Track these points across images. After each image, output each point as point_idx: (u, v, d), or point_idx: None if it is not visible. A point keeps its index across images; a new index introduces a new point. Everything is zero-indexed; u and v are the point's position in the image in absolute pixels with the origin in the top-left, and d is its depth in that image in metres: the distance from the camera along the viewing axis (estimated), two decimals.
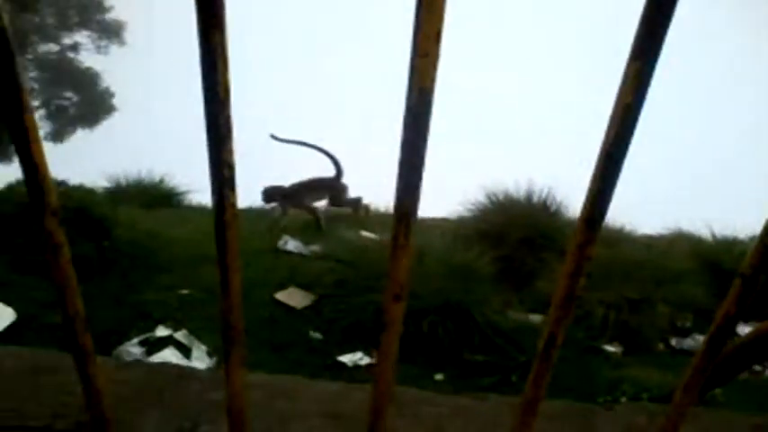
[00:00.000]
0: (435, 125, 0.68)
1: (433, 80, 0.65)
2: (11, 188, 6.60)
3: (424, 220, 8.52)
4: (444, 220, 8.36)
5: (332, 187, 8.69)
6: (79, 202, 6.22)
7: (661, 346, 6.13)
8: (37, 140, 0.67)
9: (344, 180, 8.74)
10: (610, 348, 5.75)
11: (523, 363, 5.05)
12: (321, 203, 8.73)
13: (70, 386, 1.36)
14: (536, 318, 6.05)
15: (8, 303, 5.15)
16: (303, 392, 1.50)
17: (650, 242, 8.18)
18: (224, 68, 0.64)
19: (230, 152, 0.69)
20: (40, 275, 5.68)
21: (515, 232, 7.22)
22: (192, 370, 1.46)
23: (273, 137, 8.79)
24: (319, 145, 8.76)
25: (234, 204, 0.73)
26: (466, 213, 8.12)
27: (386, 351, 0.91)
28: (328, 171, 8.64)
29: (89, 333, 0.92)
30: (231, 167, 0.70)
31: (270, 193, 8.53)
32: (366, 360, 5.13)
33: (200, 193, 10.91)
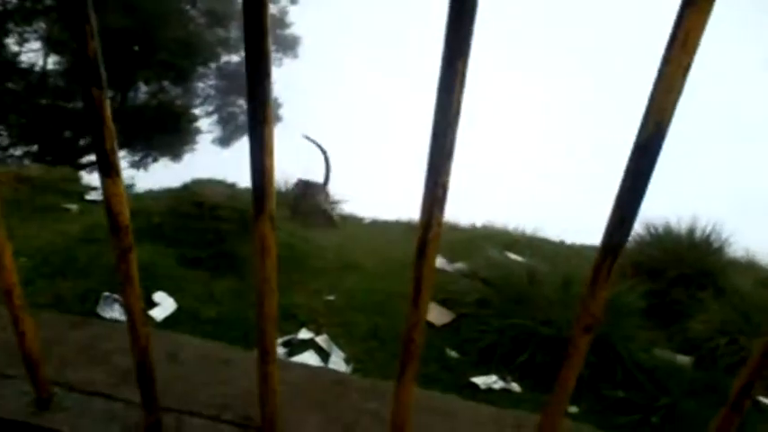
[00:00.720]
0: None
1: (671, 115, 0.62)
2: (186, 187, 7.10)
3: (572, 246, 8.26)
4: (595, 249, 8.03)
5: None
6: (246, 205, 6.62)
7: None
8: (271, 152, 0.71)
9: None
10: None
11: (666, 405, 4.75)
12: None
13: (239, 380, 1.42)
14: (683, 359, 5.66)
15: (171, 294, 5.54)
16: (458, 412, 1.48)
17: None
18: (459, 94, 0.65)
19: (447, 173, 0.69)
20: (204, 271, 6.09)
21: (672, 267, 6.79)
22: (350, 377, 1.48)
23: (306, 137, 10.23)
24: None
25: (440, 224, 0.73)
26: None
27: (564, 382, 0.88)
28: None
29: (275, 334, 0.95)
30: (445, 188, 0.70)
31: None
32: (500, 384, 5.02)
33: (353, 203, 11.37)
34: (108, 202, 0.82)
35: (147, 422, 1.14)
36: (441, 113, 0.66)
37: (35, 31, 17.48)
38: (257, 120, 0.69)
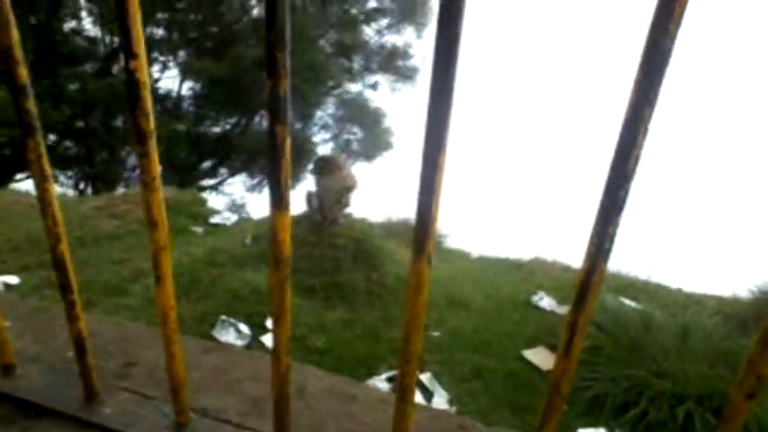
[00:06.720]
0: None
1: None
2: (305, 215, 7.25)
3: (691, 295, 7.85)
4: (717, 299, 7.61)
5: None
6: (360, 233, 6.73)
7: None
8: (439, 194, 0.71)
9: None
10: None
11: None
12: None
13: (363, 416, 1.43)
14: None
15: None
16: None
17: None
18: (640, 148, 0.64)
19: (616, 225, 0.68)
20: (317, 300, 6.20)
21: None
22: (472, 423, 1.46)
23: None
24: None
25: (603, 272, 0.71)
26: (745, 294, 7.26)
27: None
28: None
29: (416, 374, 0.95)
30: (612, 240, 0.69)
31: None
32: None
33: (457, 238, 11.35)
34: (274, 234, 0.85)
35: None
36: (617, 168, 0.65)
37: (176, 60, 18.85)
38: (431, 160, 0.70)
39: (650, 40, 0.61)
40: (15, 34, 0.90)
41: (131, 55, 0.81)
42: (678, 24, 0.59)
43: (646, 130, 0.63)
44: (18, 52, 0.91)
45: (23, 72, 0.93)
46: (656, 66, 0.62)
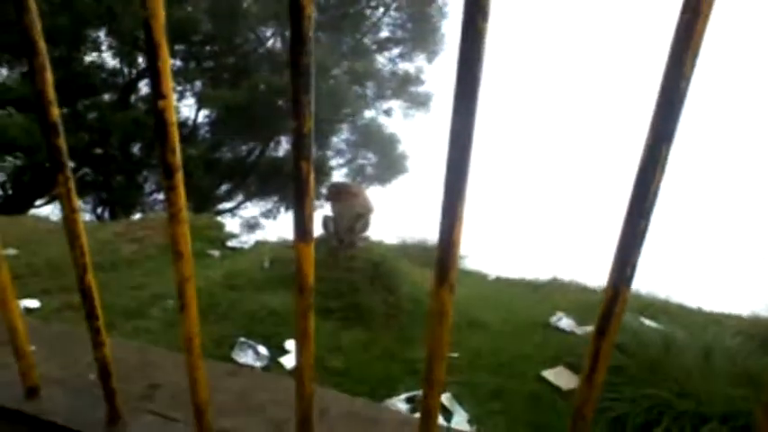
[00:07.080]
0: None
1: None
2: (321, 238, 7.32)
3: (711, 314, 7.77)
4: (736, 318, 7.53)
5: None
6: (378, 256, 6.77)
7: None
8: (461, 224, 0.73)
9: None
10: None
11: None
12: None
13: None
14: None
15: None
16: None
17: None
18: (659, 182, 0.65)
19: (638, 255, 0.69)
20: (334, 321, 6.21)
21: None
22: None
23: None
24: None
25: (625, 301, 0.72)
26: (765, 313, 7.17)
27: None
28: None
29: (439, 397, 0.96)
30: (634, 269, 0.69)
31: None
32: None
33: (474, 259, 11.36)
34: (299, 264, 0.87)
35: None
36: (638, 198, 0.66)
37: (192, 89, 19.21)
38: (453, 194, 0.71)
39: (665, 84, 0.62)
40: (49, 76, 0.95)
41: (160, 95, 0.84)
42: (692, 69, 0.60)
43: (663, 166, 0.64)
44: (51, 93, 0.96)
45: (55, 111, 0.97)
46: (672, 107, 0.62)
